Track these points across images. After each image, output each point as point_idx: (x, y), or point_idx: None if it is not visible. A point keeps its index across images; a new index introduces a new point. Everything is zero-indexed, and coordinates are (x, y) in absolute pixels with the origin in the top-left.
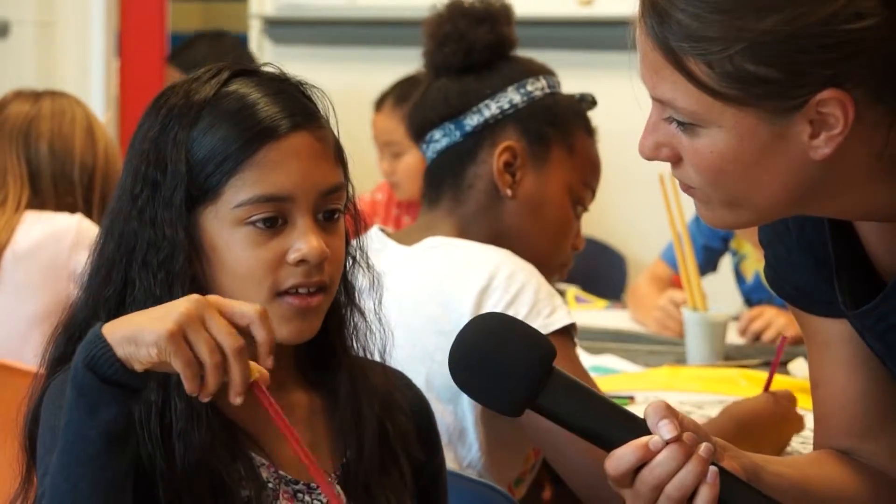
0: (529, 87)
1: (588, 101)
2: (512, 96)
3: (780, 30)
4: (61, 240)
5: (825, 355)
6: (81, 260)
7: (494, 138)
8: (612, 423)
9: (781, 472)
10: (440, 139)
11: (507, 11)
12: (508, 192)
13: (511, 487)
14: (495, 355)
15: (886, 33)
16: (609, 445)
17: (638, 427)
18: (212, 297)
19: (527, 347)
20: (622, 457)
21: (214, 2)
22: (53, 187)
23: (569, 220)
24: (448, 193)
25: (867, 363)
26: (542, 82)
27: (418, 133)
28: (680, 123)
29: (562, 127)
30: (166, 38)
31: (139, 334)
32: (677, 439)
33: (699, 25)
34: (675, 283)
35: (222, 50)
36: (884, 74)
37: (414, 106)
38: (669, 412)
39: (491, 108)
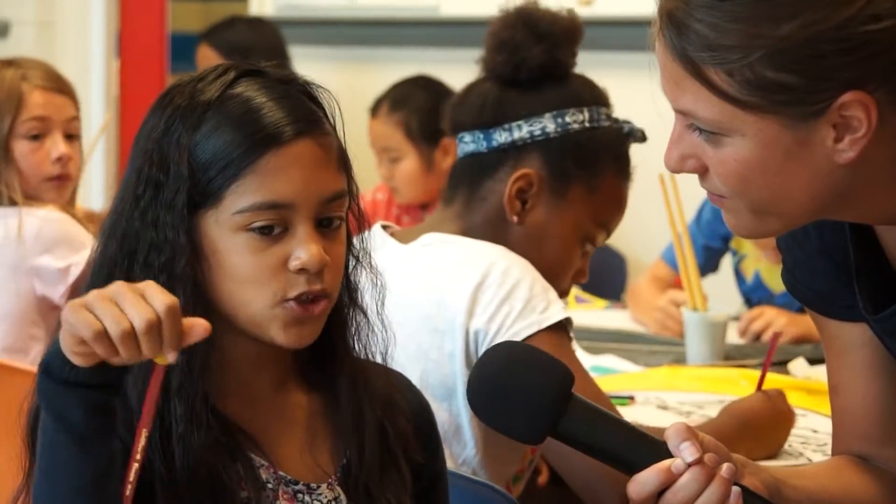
0: (568, 119)
1: (637, 137)
2: (547, 124)
3: (798, 35)
4: (22, 239)
5: (844, 360)
6: (44, 258)
7: (517, 160)
8: (632, 446)
9: (801, 485)
10: (469, 143)
11: (572, 33)
12: (515, 218)
13: (509, 485)
14: (514, 385)
15: None
16: (630, 469)
17: (659, 450)
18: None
19: (545, 376)
20: (645, 481)
21: (214, 2)
22: None
23: (571, 257)
24: (461, 198)
25: (886, 368)
26: (585, 115)
27: (452, 128)
28: (703, 133)
29: (589, 166)
30: (166, 38)
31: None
32: (699, 461)
33: (717, 35)
34: (677, 283)
35: (262, 33)
36: None
37: (455, 100)
38: (690, 434)
39: (522, 130)
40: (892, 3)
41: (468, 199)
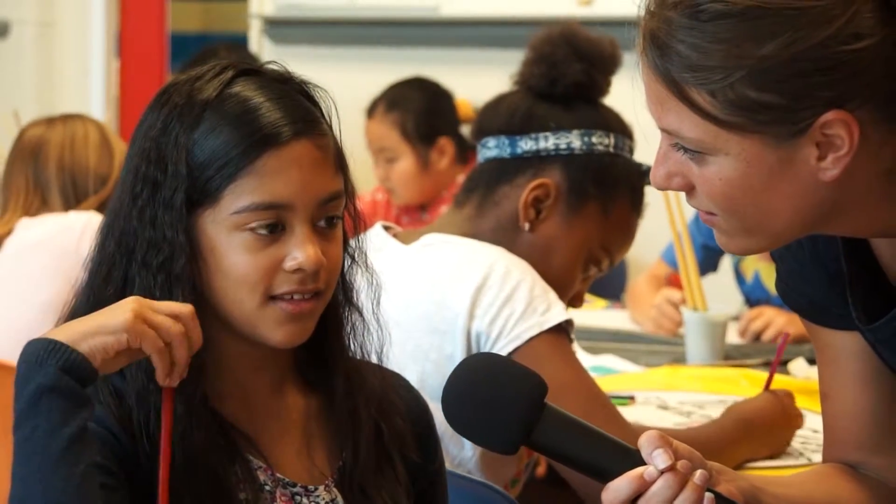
0: (594, 139)
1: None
2: (573, 140)
3: (778, 55)
4: (71, 229)
5: (836, 368)
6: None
7: (538, 170)
8: (606, 455)
9: (783, 493)
10: (492, 148)
11: (611, 60)
12: (526, 226)
13: (507, 488)
14: (488, 396)
15: (886, 52)
16: (604, 477)
17: (632, 457)
18: (143, 299)
19: (518, 387)
20: (618, 489)
21: (214, 2)
22: (62, 198)
23: (572, 276)
24: (475, 201)
25: (878, 377)
26: (611, 140)
27: (477, 133)
28: (688, 152)
29: (606, 190)
30: (166, 38)
31: (103, 326)
32: (671, 468)
33: (699, 55)
34: (672, 281)
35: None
36: (887, 93)
37: (485, 106)
38: (663, 441)
39: (548, 141)
40: (872, 22)
41: (481, 202)
